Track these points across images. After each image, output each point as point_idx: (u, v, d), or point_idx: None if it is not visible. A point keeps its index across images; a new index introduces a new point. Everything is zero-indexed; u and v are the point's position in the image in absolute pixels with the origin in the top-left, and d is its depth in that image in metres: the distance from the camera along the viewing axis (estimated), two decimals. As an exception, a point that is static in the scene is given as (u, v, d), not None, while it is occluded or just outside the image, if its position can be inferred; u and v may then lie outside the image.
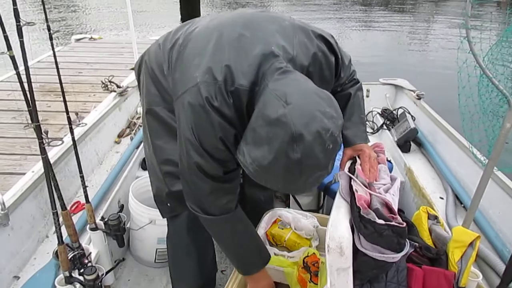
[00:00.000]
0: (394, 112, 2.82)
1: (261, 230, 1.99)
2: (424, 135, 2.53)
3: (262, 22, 1.23)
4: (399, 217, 1.30)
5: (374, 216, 1.24)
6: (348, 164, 1.52)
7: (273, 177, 1.04)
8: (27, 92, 1.14)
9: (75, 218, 1.86)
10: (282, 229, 2.01)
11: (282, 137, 0.96)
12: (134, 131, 2.65)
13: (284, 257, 1.95)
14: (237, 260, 1.51)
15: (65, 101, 1.48)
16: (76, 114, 1.67)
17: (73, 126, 1.51)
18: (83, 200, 1.95)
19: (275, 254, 1.95)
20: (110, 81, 2.97)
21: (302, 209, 2.31)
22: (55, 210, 1.29)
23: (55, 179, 1.38)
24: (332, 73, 1.35)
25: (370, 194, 1.37)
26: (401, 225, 1.22)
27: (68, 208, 1.94)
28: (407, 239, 1.28)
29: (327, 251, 1.24)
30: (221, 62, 1.14)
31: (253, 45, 1.16)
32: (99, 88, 3.15)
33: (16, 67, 1.14)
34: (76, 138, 2.13)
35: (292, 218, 1.95)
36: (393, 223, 1.22)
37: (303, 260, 1.76)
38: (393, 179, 1.55)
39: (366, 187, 1.38)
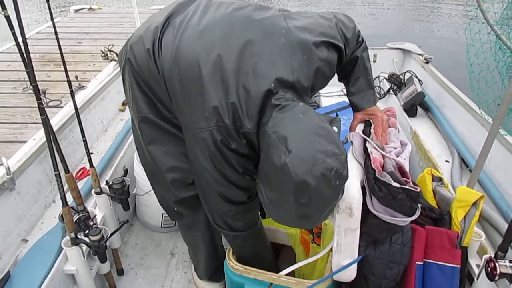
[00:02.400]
0: (401, 76, 2.77)
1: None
2: (431, 99, 2.49)
3: (259, 42, 1.17)
4: (411, 181, 1.30)
5: (390, 179, 1.23)
6: (360, 126, 1.50)
7: (289, 218, 1.08)
8: (24, 53, 1.12)
9: (80, 184, 1.88)
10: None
11: (288, 186, 0.98)
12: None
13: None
14: (253, 263, 1.53)
15: (65, 68, 1.47)
16: (76, 77, 1.65)
17: (74, 89, 1.49)
18: (88, 166, 1.97)
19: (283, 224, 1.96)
20: (110, 50, 2.94)
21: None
22: (57, 172, 1.29)
23: (57, 142, 1.38)
24: (334, 68, 1.34)
25: (384, 157, 1.35)
26: (415, 189, 1.21)
27: (74, 173, 1.97)
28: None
29: (336, 211, 1.24)
30: (226, 99, 1.13)
31: (253, 80, 1.14)
32: (99, 57, 3.12)
33: (11, 27, 1.13)
34: (79, 105, 2.14)
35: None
36: (407, 186, 1.22)
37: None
38: (403, 144, 1.54)
39: (380, 150, 1.37)
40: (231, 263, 1.49)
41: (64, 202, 1.36)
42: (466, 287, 1.45)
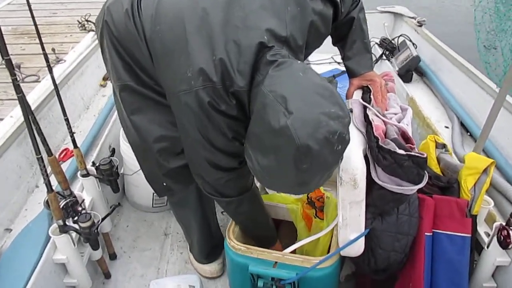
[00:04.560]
0: (393, 41, 2.67)
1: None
2: (426, 63, 2.41)
3: None
4: (416, 147, 1.22)
5: (394, 146, 1.15)
6: (358, 93, 1.42)
7: (284, 184, 1.01)
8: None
9: (64, 166, 1.76)
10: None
11: (289, 150, 0.90)
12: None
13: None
14: (255, 235, 1.47)
15: (40, 40, 1.32)
16: (53, 50, 1.50)
17: (52, 64, 1.36)
18: (71, 147, 1.84)
19: (277, 192, 1.89)
20: (87, 20, 2.76)
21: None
22: (40, 156, 1.18)
23: (37, 122, 1.26)
24: (329, 25, 1.23)
25: (386, 124, 1.27)
26: (422, 155, 1.14)
27: (57, 155, 1.84)
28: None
29: (339, 183, 1.17)
30: (212, 55, 1.02)
31: (244, 33, 1.03)
32: (76, 28, 2.94)
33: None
34: (57, 81, 1.99)
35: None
36: (413, 153, 1.14)
37: (307, 196, 1.70)
38: (403, 109, 1.47)
39: (381, 117, 1.29)
40: (232, 242, 1.41)
41: (49, 188, 1.25)
42: (475, 256, 1.42)
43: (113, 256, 1.83)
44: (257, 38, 1.02)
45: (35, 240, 1.40)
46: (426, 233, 1.34)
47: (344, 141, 0.95)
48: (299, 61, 1.05)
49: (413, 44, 2.47)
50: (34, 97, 1.86)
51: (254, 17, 1.04)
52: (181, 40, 1.05)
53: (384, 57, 2.64)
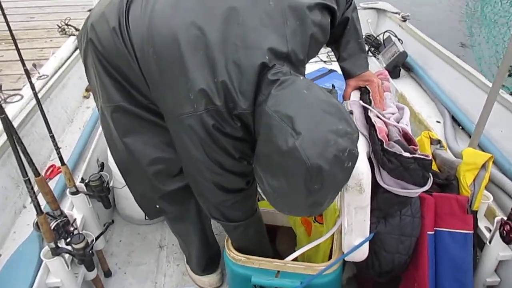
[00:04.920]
0: (378, 37, 2.67)
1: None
2: (413, 58, 2.41)
3: (245, 8, 1.01)
4: (419, 148, 1.21)
5: (400, 149, 1.13)
6: (355, 94, 1.40)
7: (296, 207, 0.99)
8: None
9: (52, 184, 1.70)
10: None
11: (299, 172, 0.88)
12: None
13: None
14: (253, 253, 1.41)
15: (18, 49, 1.26)
16: (34, 65, 1.44)
17: (33, 80, 1.30)
18: (58, 163, 1.78)
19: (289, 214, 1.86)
20: (67, 24, 2.67)
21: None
22: (27, 178, 1.12)
23: (21, 142, 1.20)
24: (328, 34, 1.20)
25: (387, 125, 1.25)
26: (427, 158, 1.12)
27: (43, 173, 1.78)
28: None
29: (344, 189, 1.13)
30: (214, 77, 0.98)
31: (244, 52, 0.99)
32: (56, 32, 2.82)
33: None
34: (39, 95, 1.93)
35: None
36: (419, 155, 1.12)
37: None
38: (399, 108, 1.45)
39: (383, 118, 1.27)
40: (231, 253, 1.37)
41: (39, 210, 1.19)
42: (477, 252, 1.40)
43: (108, 273, 1.78)
44: (259, 59, 0.98)
45: (27, 264, 1.34)
46: (428, 232, 1.33)
47: (354, 157, 0.93)
48: (301, 77, 1.02)
49: (399, 39, 2.47)
50: (14, 112, 1.79)
51: (254, 35, 1.00)
52: (178, 62, 1.00)
53: (370, 54, 2.63)
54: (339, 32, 1.36)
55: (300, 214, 1.06)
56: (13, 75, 2.22)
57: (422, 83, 2.25)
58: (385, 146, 1.16)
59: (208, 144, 1.05)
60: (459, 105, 1.96)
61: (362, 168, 1.08)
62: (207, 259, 1.70)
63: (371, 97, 1.34)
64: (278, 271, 1.34)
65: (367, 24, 2.93)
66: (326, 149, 0.87)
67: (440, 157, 1.53)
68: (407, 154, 1.13)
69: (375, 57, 2.59)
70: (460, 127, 1.89)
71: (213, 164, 1.09)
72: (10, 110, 1.78)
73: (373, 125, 1.22)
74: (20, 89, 1.82)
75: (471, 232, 1.31)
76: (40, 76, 1.83)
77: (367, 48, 2.68)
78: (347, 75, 1.41)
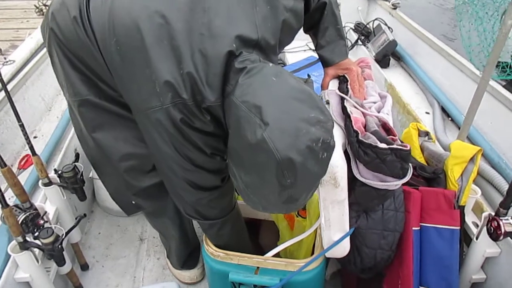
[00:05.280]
0: (368, 25, 2.60)
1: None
2: (403, 47, 2.35)
3: None
4: (398, 139, 1.15)
5: (375, 140, 1.07)
6: (334, 83, 1.34)
7: (270, 203, 0.92)
8: None
9: (26, 174, 1.63)
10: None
11: (270, 166, 0.82)
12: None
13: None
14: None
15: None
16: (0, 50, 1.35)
17: (-1, 65, 1.22)
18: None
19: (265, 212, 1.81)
20: (44, 5, 2.56)
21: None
22: (-11, 169, 1.05)
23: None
24: (302, 20, 1.14)
25: (365, 115, 1.20)
26: (405, 148, 1.06)
27: (17, 163, 1.71)
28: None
29: (319, 183, 1.08)
30: (180, 69, 0.91)
31: (210, 42, 0.92)
32: (33, 13, 2.71)
33: None
34: (15, 81, 1.85)
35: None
36: (396, 146, 1.07)
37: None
38: (382, 97, 1.39)
39: (360, 108, 1.21)
40: (210, 249, 1.32)
41: (4, 203, 1.13)
42: (463, 248, 1.36)
43: (84, 267, 1.72)
44: (225, 47, 0.92)
45: (-6, 259, 1.28)
46: (413, 228, 1.28)
47: (329, 147, 0.87)
48: (271, 64, 0.95)
49: (389, 27, 2.40)
50: (-12, 100, 1.71)
51: (220, 23, 0.93)
52: (141, 53, 0.93)
53: (359, 42, 2.57)
54: (316, 18, 1.30)
55: (275, 211, 1.00)
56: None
57: (412, 72, 2.20)
58: (360, 137, 1.11)
59: (177, 139, 1.00)
60: (449, 95, 1.91)
61: (337, 161, 1.03)
62: (187, 254, 1.65)
63: (348, 86, 1.29)
64: (258, 268, 1.29)
65: (357, 11, 2.86)
66: (297, 139, 0.80)
67: (428, 150, 1.49)
68: (383, 145, 1.08)
69: (364, 45, 2.53)
70: (450, 119, 1.84)
71: (184, 160, 1.04)
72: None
73: (349, 116, 1.16)
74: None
75: (458, 228, 1.26)
76: (7, 62, 1.73)
77: (356, 37, 2.61)
78: (325, 63, 1.35)
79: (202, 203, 1.16)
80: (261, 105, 0.83)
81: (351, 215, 1.19)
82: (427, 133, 1.56)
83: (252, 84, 0.88)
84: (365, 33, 2.59)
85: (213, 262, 1.33)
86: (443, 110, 1.89)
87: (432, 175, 1.35)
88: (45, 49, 2.17)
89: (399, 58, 2.32)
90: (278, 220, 1.59)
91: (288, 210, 0.94)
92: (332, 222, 1.16)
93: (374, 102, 1.35)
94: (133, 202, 1.28)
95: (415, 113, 1.84)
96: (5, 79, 1.84)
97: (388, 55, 2.26)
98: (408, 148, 1.08)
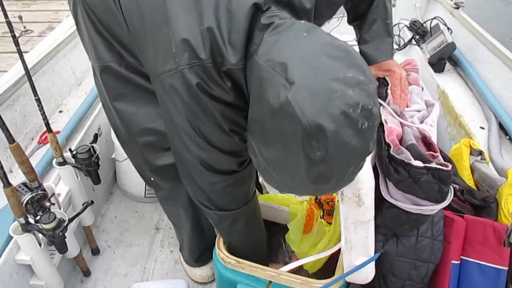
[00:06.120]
0: (425, 24, 2.38)
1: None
2: (462, 52, 2.11)
3: None
4: (440, 156, 0.99)
5: (409, 156, 0.92)
6: None
7: (296, 182, 0.77)
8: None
9: (44, 150, 1.57)
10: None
11: (295, 134, 0.68)
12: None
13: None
14: (244, 256, 1.24)
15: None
16: (20, 17, 1.26)
17: (16, 34, 1.15)
18: (56, 128, 1.66)
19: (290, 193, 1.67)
20: None
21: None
22: (-10, 145, 0.98)
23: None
24: None
25: (403, 125, 1.04)
26: (445, 168, 0.90)
27: (37, 137, 1.66)
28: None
29: (340, 199, 0.94)
30: (200, 24, 0.79)
31: None
32: None
33: None
34: (45, 52, 1.79)
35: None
36: (434, 165, 0.90)
37: (315, 198, 1.48)
38: (429, 105, 1.22)
39: (398, 116, 1.05)
40: (221, 254, 1.21)
41: (5, 181, 1.06)
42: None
43: (95, 251, 1.66)
44: (249, 0, 0.79)
45: (-4, 237, 1.22)
46: (452, 261, 1.13)
47: (372, 116, 0.71)
48: (302, 21, 0.81)
49: (448, 28, 2.17)
50: (16, 70, 1.66)
51: None
52: (160, 8, 0.84)
53: (413, 41, 2.35)
54: (364, 8, 1.16)
55: (303, 191, 0.85)
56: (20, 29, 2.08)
57: (469, 80, 1.97)
58: (391, 152, 0.95)
59: (192, 110, 0.88)
60: (510, 110, 1.69)
61: (363, 176, 0.89)
62: (201, 250, 1.55)
63: (388, 90, 1.12)
64: (270, 282, 1.17)
65: (414, 8, 2.63)
66: (329, 102, 0.66)
67: (480, 171, 1.31)
68: (417, 163, 0.92)
69: (418, 46, 2.31)
70: (508, 137, 1.63)
71: (199, 137, 0.92)
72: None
73: (382, 125, 1.01)
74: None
75: (506, 268, 1.09)
76: (26, 31, 1.67)
77: (410, 36, 2.40)
78: (366, 61, 1.19)
79: (215, 190, 1.04)
80: (287, 62, 0.70)
81: (377, 238, 1.05)
82: (480, 152, 1.38)
83: (278, 41, 0.75)
84: (420, 32, 2.37)
85: (222, 268, 1.22)
86: (501, 126, 1.67)
87: (481, 202, 1.18)
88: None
89: (455, 63, 2.10)
90: (293, 216, 1.44)
91: (318, 192, 0.82)
92: (354, 244, 1.02)
93: (418, 111, 1.18)
94: (152, 179, 1.23)
95: (468, 127, 1.64)
96: (33, 50, 1.80)
97: (444, 59, 2.05)
98: (450, 168, 0.91)
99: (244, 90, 0.86)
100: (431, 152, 1.01)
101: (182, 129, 0.92)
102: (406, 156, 0.95)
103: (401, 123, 1.07)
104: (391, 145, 0.96)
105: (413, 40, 2.36)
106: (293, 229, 1.41)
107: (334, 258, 1.22)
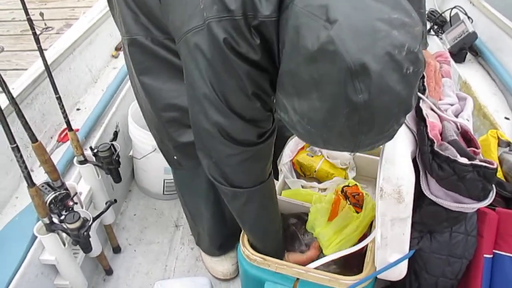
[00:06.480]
0: (444, 14, 2.33)
1: (285, 158, 1.68)
2: (483, 41, 2.06)
3: None
4: (481, 152, 0.96)
5: (455, 153, 0.89)
6: None
7: (335, 135, 0.72)
8: None
9: (64, 148, 1.57)
10: (312, 156, 1.70)
11: (335, 75, 0.64)
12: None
13: (314, 189, 1.65)
14: (260, 245, 1.21)
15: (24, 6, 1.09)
16: (41, 14, 1.25)
17: (37, 31, 1.13)
18: (75, 126, 1.65)
19: (302, 186, 1.65)
20: None
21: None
22: (15, 145, 0.97)
23: (17, 105, 1.05)
24: None
25: (442, 120, 1.01)
26: (491, 166, 0.87)
27: (57, 135, 1.65)
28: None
29: (379, 195, 0.92)
30: None
31: None
32: None
33: None
34: (62, 50, 1.79)
35: (323, 144, 1.62)
36: (479, 162, 0.88)
37: (342, 188, 1.46)
38: (461, 98, 1.19)
39: (438, 111, 1.02)
40: (246, 251, 1.19)
41: (30, 181, 1.05)
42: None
43: (117, 249, 1.66)
44: None
45: (21, 237, 1.22)
46: (485, 255, 1.09)
47: (418, 61, 0.67)
48: None
49: (469, 18, 2.12)
50: (34, 68, 1.65)
51: None
52: None
53: (432, 32, 2.30)
54: None
55: (339, 144, 0.76)
56: (40, 26, 2.07)
57: (492, 70, 1.93)
58: (435, 147, 0.92)
59: (215, 69, 0.82)
60: (536, 100, 1.65)
61: (403, 172, 0.87)
62: (223, 238, 1.52)
63: (425, 83, 1.09)
64: (297, 279, 1.15)
65: (432, -3, 2.58)
66: (374, 42, 0.63)
67: (509, 163, 1.27)
68: (463, 160, 0.89)
69: (438, 36, 2.26)
70: (534, 127, 1.59)
71: (220, 100, 0.86)
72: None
73: (424, 119, 0.98)
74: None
75: (541, 261, 1.06)
76: (46, 28, 1.66)
77: (429, 26, 2.35)
78: None
79: (231, 164, 0.98)
80: (328, 3, 0.66)
81: (413, 235, 1.02)
82: (508, 144, 1.34)
83: None
84: (439, 23, 2.32)
85: (248, 266, 1.20)
86: (527, 116, 1.64)
87: (512, 194, 1.14)
88: (96, 19, 2.10)
89: (477, 53, 2.05)
90: (316, 202, 1.39)
91: (356, 146, 0.73)
92: (389, 241, 0.99)
93: (451, 104, 1.15)
94: (175, 157, 1.24)
95: (492, 118, 1.61)
96: (51, 47, 1.79)
97: (465, 49, 2.00)
98: (495, 166, 0.88)
99: (273, 47, 0.82)
100: (472, 149, 0.98)
101: (203, 93, 0.87)
102: (451, 152, 0.91)
103: (440, 117, 1.03)
104: (435, 141, 0.93)
105: (431, 30, 2.31)
106: (316, 215, 1.35)
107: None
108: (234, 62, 0.81)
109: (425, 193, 0.95)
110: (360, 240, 1.24)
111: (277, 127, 1.05)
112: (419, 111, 1.02)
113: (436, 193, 0.95)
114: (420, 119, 1.00)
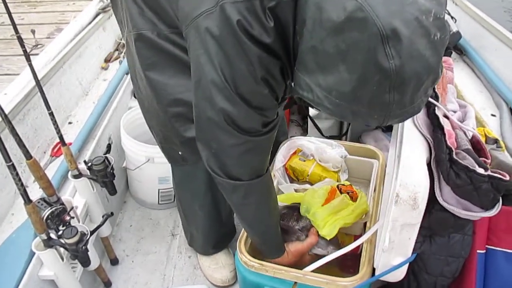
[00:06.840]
0: (427, 14, 2.37)
1: (278, 164, 1.69)
2: (467, 40, 2.11)
3: None
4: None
5: (473, 163, 0.91)
6: None
7: (365, 106, 0.72)
8: None
9: (58, 162, 1.57)
10: (304, 161, 1.71)
11: (365, 42, 0.65)
12: (123, 53, 2.26)
13: (307, 190, 1.66)
14: (260, 242, 1.22)
15: (12, 22, 1.10)
16: (32, 31, 1.25)
17: (27, 49, 1.14)
18: (70, 139, 1.65)
19: (295, 190, 1.66)
20: None
21: (323, 136, 1.99)
22: (10, 163, 0.98)
23: (10, 122, 1.05)
24: None
25: (454, 128, 1.03)
26: (505, 178, 0.90)
27: (49, 150, 1.65)
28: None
29: (394, 201, 0.92)
30: None
31: None
32: None
33: None
34: (52, 64, 1.79)
35: (315, 149, 1.64)
36: (495, 174, 0.90)
37: (337, 186, 1.47)
38: (461, 106, 1.22)
39: (452, 119, 1.05)
40: (244, 257, 1.21)
41: (26, 198, 1.06)
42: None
43: (114, 261, 1.65)
44: None
45: (19, 253, 1.22)
46: (478, 251, 1.12)
47: (444, 28, 0.69)
48: None
49: (452, 17, 2.16)
50: (22, 85, 1.65)
51: None
52: None
53: (417, 32, 2.34)
54: None
55: (370, 115, 0.74)
56: (31, 39, 2.07)
57: (476, 68, 1.97)
58: (454, 156, 0.94)
59: (226, 52, 0.81)
60: (520, 96, 1.68)
61: (420, 179, 0.88)
62: (218, 236, 1.55)
63: (436, 90, 1.10)
64: (295, 283, 1.17)
65: (415, -1, 2.62)
66: (403, 7, 0.65)
67: (497, 160, 1.28)
68: (481, 171, 0.92)
69: (422, 36, 2.31)
70: (520, 124, 1.62)
71: (227, 85, 0.84)
72: (18, 82, 1.65)
73: (441, 127, 1.00)
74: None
75: (532, 255, 1.09)
76: (35, 46, 1.66)
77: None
78: None
79: (232, 155, 0.97)
80: None
81: (417, 239, 1.03)
82: (496, 140, 1.36)
83: None
84: (423, 23, 2.36)
85: (246, 272, 1.22)
86: (512, 112, 1.67)
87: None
88: (85, 31, 2.11)
89: (461, 52, 2.09)
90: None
91: (386, 117, 0.73)
92: (396, 245, 1.01)
93: (454, 111, 1.18)
94: (180, 153, 1.25)
95: (479, 115, 1.64)
96: (42, 62, 1.80)
97: (450, 49, 2.04)
98: (508, 178, 0.92)
99: (287, 30, 0.81)
100: (483, 159, 1.01)
101: (211, 79, 0.85)
102: (469, 162, 0.93)
103: (452, 125, 1.05)
104: (453, 149, 0.96)
105: (416, 31, 2.35)
106: (312, 198, 1.34)
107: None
108: (245, 45, 0.80)
109: (438, 199, 0.97)
110: (355, 239, 1.27)
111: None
112: (435, 118, 1.03)
113: (449, 200, 0.97)
114: (437, 127, 1.02)
